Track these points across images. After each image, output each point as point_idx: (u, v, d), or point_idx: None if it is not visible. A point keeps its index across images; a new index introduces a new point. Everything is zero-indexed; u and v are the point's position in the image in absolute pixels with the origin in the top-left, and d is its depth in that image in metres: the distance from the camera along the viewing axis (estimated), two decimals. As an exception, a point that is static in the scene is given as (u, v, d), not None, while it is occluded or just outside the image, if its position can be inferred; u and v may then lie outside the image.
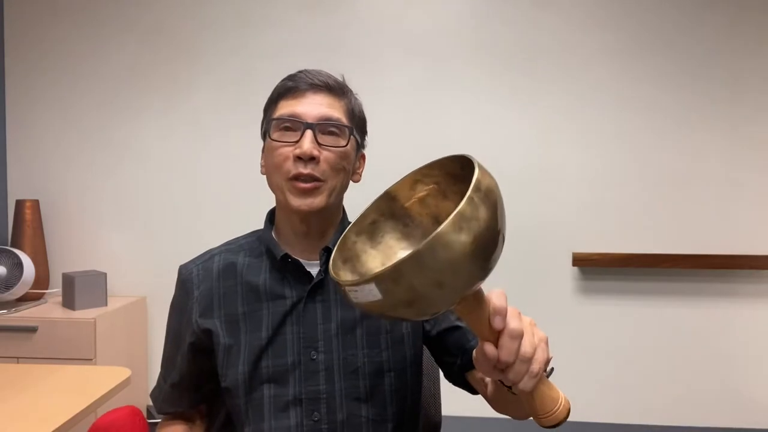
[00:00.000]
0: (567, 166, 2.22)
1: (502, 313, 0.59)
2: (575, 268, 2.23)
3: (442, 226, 0.50)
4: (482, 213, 0.52)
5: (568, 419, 0.65)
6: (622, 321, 2.23)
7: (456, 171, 0.65)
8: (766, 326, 2.18)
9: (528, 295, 2.25)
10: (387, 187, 0.70)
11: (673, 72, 2.17)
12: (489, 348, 0.60)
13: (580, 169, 2.21)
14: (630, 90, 2.19)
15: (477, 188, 0.53)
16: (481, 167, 0.56)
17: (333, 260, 0.65)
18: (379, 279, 0.52)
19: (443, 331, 0.92)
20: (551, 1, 2.20)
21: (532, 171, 2.23)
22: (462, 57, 2.23)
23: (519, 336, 0.59)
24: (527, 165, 2.23)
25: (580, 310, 2.24)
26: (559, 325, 2.24)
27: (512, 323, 0.59)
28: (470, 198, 0.52)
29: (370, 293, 0.53)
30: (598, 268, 2.23)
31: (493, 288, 0.61)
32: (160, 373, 1.00)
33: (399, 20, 2.25)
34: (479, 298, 0.59)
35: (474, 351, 0.63)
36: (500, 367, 0.61)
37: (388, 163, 2.27)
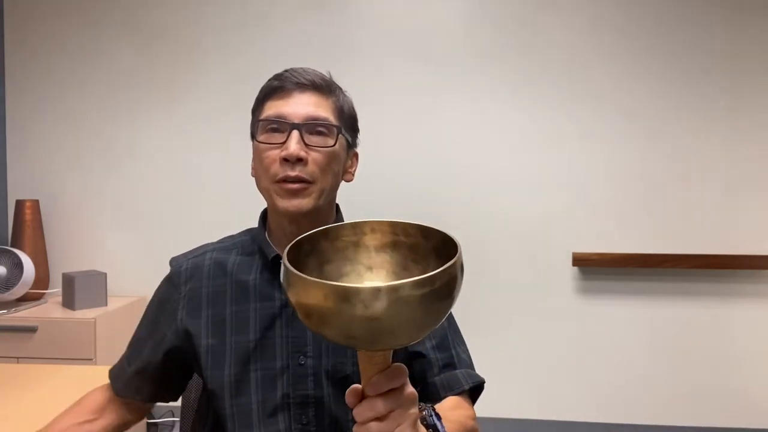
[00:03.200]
0: (567, 167, 2.22)
1: (379, 389, 0.59)
2: (575, 268, 2.23)
3: (352, 286, 0.50)
4: (394, 310, 0.50)
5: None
6: (622, 321, 2.22)
7: (437, 246, 0.62)
8: (766, 326, 2.18)
9: (528, 295, 2.25)
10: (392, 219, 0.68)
11: (673, 73, 2.17)
12: (354, 394, 0.61)
13: (580, 170, 2.21)
14: (630, 91, 2.19)
15: (417, 289, 0.50)
16: (430, 278, 0.52)
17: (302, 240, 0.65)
18: (287, 273, 0.55)
19: (411, 353, 0.90)
20: (552, 4, 2.20)
21: (532, 171, 2.23)
22: (463, 58, 2.23)
23: (375, 414, 0.59)
24: (527, 165, 2.23)
25: (580, 310, 2.24)
26: (559, 325, 2.24)
27: (379, 403, 0.59)
28: (404, 287, 0.50)
29: (284, 275, 0.56)
30: (598, 268, 2.23)
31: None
32: (125, 354, 0.96)
33: (400, 22, 2.25)
34: (375, 360, 0.59)
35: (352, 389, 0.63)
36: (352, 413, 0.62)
37: (388, 163, 2.27)
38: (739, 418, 2.20)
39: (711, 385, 2.21)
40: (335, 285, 0.51)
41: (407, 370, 0.62)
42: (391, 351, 0.61)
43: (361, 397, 0.61)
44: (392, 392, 0.60)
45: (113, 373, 0.97)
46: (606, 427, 2.23)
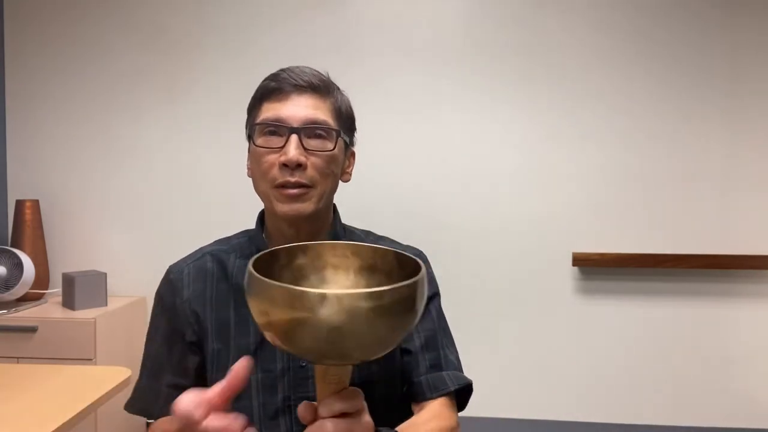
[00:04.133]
0: (567, 167, 2.22)
1: (331, 411, 0.58)
2: (575, 268, 2.23)
3: (305, 289, 0.49)
4: (349, 320, 0.49)
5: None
6: (622, 321, 2.22)
7: (406, 271, 0.62)
8: (766, 326, 2.18)
9: (528, 295, 2.25)
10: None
11: (673, 72, 2.17)
12: (308, 411, 0.59)
13: (579, 170, 2.21)
14: (629, 90, 2.19)
15: (373, 302, 0.49)
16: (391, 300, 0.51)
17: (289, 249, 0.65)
18: (251, 277, 0.54)
19: (400, 350, 0.89)
20: (553, 4, 2.20)
21: (532, 171, 2.23)
22: (462, 58, 2.23)
23: None
24: (527, 165, 2.23)
25: (580, 310, 2.24)
26: (559, 325, 2.24)
27: (329, 425, 0.57)
28: (350, 296, 0.49)
29: (246, 278, 0.56)
30: (598, 268, 2.23)
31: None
32: (146, 375, 0.92)
33: (400, 22, 2.25)
34: (330, 379, 0.59)
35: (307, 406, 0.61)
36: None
37: (386, 162, 2.27)
38: (739, 418, 2.20)
39: (711, 385, 2.20)
40: (283, 286, 0.50)
41: (363, 395, 0.60)
42: (348, 371, 0.60)
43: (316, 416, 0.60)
44: (346, 416, 0.59)
45: (141, 402, 0.92)
46: (606, 427, 2.23)
